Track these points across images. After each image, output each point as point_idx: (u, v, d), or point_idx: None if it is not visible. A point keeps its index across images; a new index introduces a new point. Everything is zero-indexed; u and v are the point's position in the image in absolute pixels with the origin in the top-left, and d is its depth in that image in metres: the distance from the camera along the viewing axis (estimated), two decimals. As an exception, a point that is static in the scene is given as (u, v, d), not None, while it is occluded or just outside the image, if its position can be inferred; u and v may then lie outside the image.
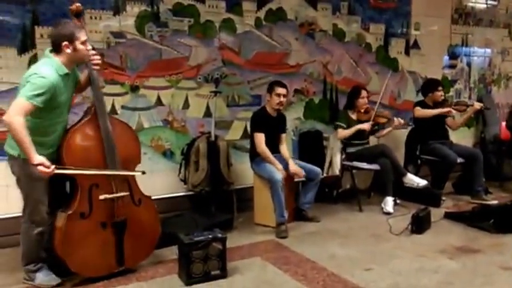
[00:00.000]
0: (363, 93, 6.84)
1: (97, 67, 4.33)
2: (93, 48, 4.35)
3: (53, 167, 3.86)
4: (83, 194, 4.21)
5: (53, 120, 4.09)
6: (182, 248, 4.34)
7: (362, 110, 6.83)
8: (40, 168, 3.82)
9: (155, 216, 4.67)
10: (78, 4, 4.30)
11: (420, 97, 7.47)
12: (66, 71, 4.07)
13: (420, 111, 7.10)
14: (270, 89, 5.98)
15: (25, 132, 3.79)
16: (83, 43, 4.08)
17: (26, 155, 3.85)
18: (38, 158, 3.82)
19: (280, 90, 5.93)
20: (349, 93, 7.03)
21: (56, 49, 4.07)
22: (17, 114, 3.76)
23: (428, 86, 7.35)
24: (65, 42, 4.01)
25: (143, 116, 6.00)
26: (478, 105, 7.19)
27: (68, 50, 4.02)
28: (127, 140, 4.50)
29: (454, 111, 7.12)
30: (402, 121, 6.79)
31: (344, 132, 6.67)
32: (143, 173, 4.46)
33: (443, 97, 7.23)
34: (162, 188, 5.73)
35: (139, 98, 5.96)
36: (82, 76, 4.41)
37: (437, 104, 7.12)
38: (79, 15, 4.31)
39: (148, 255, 4.65)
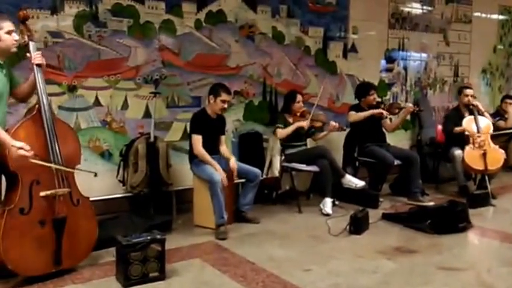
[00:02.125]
0: (299, 97, 6.94)
1: (39, 61, 4.30)
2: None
3: (32, 152, 3.97)
4: (24, 189, 4.16)
5: None
6: (120, 249, 4.30)
7: (298, 114, 6.91)
8: (21, 151, 3.92)
9: (93, 218, 4.64)
10: (25, 11, 4.41)
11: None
12: None
13: (353, 116, 7.21)
14: (215, 93, 5.95)
15: None
16: (8, 33, 4.13)
17: (5, 144, 3.95)
18: (18, 142, 3.94)
19: (226, 97, 5.96)
20: (285, 98, 7.12)
21: None
22: None
23: (361, 90, 7.49)
24: None
25: (81, 117, 5.95)
26: (410, 107, 7.35)
27: None
28: (69, 140, 4.50)
29: (385, 113, 7.22)
30: (337, 125, 6.88)
31: (283, 132, 6.72)
32: (95, 174, 4.50)
33: (376, 100, 7.37)
34: (100, 189, 5.64)
35: (76, 98, 5.91)
36: (26, 84, 4.44)
37: (371, 107, 7.24)
38: (25, 21, 4.36)
39: (85, 257, 4.61)
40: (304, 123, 6.71)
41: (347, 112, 7.42)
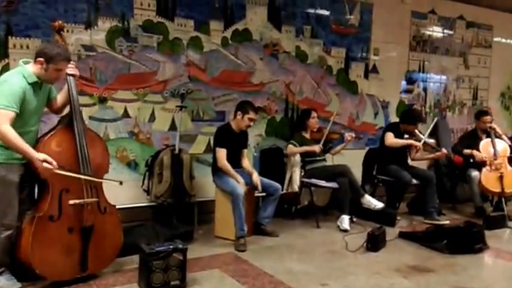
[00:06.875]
0: (313, 113, 7.06)
1: (72, 71, 4.42)
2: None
3: (55, 163, 4.04)
4: (54, 197, 4.26)
5: (21, 129, 4.09)
6: (143, 257, 4.38)
7: (315, 130, 7.06)
8: (45, 164, 3.99)
9: (119, 225, 4.73)
10: (60, 22, 4.52)
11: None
12: (35, 79, 4.17)
13: (391, 140, 7.12)
14: (244, 110, 6.06)
15: (17, 137, 3.95)
16: (57, 70, 4.20)
17: (27, 157, 4.02)
18: (41, 155, 4.01)
19: (254, 116, 6.08)
20: (300, 116, 7.29)
21: (35, 59, 4.18)
22: (2, 123, 3.90)
23: (410, 117, 7.37)
24: (41, 59, 4.12)
25: (110, 128, 6.09)
26: (444, 152, 7.28)
27: (40, 66, 4.15)
28: (98, 149, 4.59)
29: (421, 149, 7.23)
30: (353, 134, 6.94)
31: (293, 149, 6.84)
32: (121, 183, 4.54)
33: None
34: (125, 197, 5.73)
35: (106, 109, 6.06)
36: (60, 96, 4.56)
37: (408, 133, 7.23)
38: (60, 31, 4.50)
39: (110, 263, 4.70)
40: (316, 148, 6.78)
41: (384, 131, 7.45)
